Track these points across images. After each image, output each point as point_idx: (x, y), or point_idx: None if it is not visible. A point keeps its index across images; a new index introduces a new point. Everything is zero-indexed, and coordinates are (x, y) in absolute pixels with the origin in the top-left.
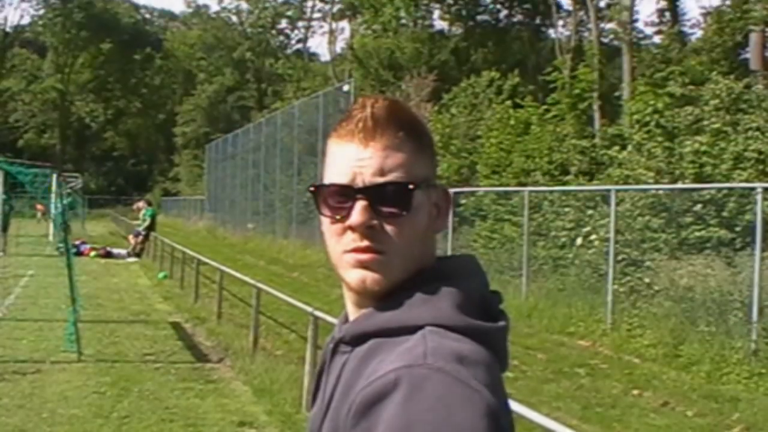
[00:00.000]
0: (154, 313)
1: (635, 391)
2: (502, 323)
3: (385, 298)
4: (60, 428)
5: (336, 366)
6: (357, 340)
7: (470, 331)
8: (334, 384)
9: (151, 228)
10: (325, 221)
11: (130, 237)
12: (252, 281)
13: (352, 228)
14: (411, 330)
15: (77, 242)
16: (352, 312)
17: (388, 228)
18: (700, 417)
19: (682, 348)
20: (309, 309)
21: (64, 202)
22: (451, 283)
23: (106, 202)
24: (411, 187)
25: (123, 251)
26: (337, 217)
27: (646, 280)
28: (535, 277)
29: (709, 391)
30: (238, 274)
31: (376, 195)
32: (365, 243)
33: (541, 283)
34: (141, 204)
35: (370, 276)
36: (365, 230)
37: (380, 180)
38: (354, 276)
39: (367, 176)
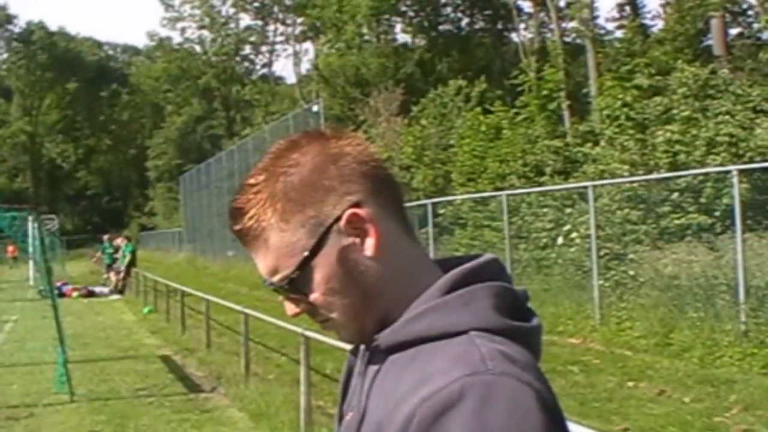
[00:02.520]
0: (142, 348)
1: (630, 383)
2: (536, 322)
3: (408, 307)
4: None
5: (368, 376)
6: (392, 349)
7: (512, 333)
8: (368, 393)
9: (132, 264)
10: None
11: (112, 274)
12: (239, 308)
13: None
14: (453, 335)
15: (59, 283)
16: None
17: (317, 304)
18: (698, 402)
19: (672, 336)
20: (299, 330)
21: (45, 243)
22: (485, 285)
23: (83, 241)
24: (293, 278)
25: (105, 289)
26: None
27: (631, 272)
28: (520, 280)
29: (703, 376)
30: (224, 302)
31: (282, 291)
32: (314, 319)
33: (526, 285)
34: (120, 240)
35: (341, 334)
36: (303, 313)
37: (274, 280)
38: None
39: (267, 277)
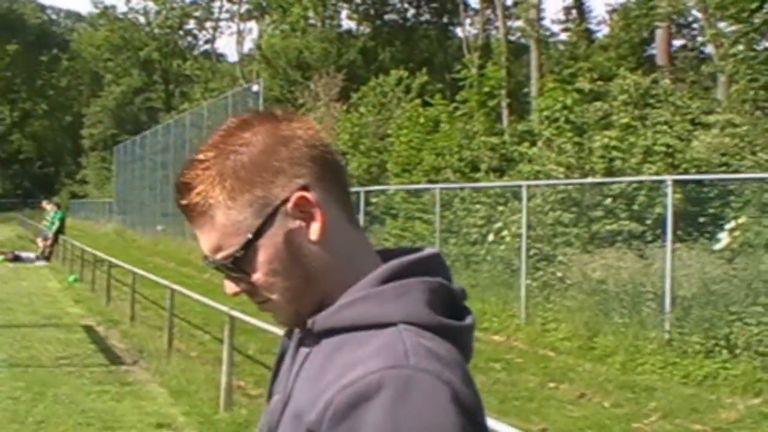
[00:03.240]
0: (65, 317)
1: (551, 384)
2: (469, 321)
3: (344, 294)
4: None
5: (298, 358)
6: (324, 334)
7: (441, 330)
8: (295, 376)
9: (60, 231)
10: None
11: (39, 240)
12: (166, 282)
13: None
14: (382, 326)
15: None
16: None
17: (258, 284)
18: (617, 407)
19: (596, 340)
20: (225, 308)
21: None
22: (421, 280)
23: (12, 205)
24: (238, 256)
25: (32, 255)
26: None
27: (559, 274)
28: None
29: (624, 382)
30: (151, 276)
31: (223, 269)
32: (251, 299)
33: (454, 280)
34: (49, 205)
35: (277, 318)
36: (242, 293)
37: (217, 258)
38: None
39: (210, 255)
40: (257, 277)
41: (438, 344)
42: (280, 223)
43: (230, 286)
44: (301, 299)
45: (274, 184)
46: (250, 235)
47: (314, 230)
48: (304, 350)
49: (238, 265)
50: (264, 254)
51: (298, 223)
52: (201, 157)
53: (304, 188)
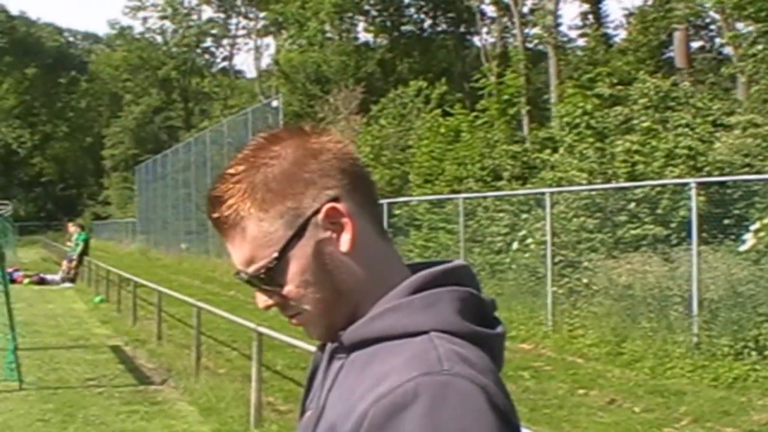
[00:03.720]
0: (92, 338)
1: (581, 391)
2: (500, 329)
3: (374, 306)
4: None
5: (331, 372)
6: (355, 347)
7: (473, 337)
8: (328, 390)
9: (84, 252)
10: None
11: (64, 262)
12: (192, 301)
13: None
14: (413, 335)
15: (10, 269)
16: None
17: (290, 297)
18: (648, 412)
19: (624, 345)
20: (252, 325)
21: None
22: (450, 290)
23: (36, 228)
24: (270, 268)
25: (57, 277)
26: None
27: (585, 280)
28: None
29: (654, 387)
30: (177, 295)
31: (255, 283)
32: (283, 313)
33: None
34: (73, 228)
35: (310, 332)
36: (274, 307)
37: (249, 271)
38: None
39: (242, 269)
40: (289, 289)
41: (470, 351)
42: (312, 234)
43: (262, 300)
44: (332, 311)
45: (305, 196)
46: (281, 247)
47: (345, 241)
48: (336, 364)
49: (270, 277)
50: (296, 265)
51: (329, 233)
52: (231, 171)
53: (335, 200)
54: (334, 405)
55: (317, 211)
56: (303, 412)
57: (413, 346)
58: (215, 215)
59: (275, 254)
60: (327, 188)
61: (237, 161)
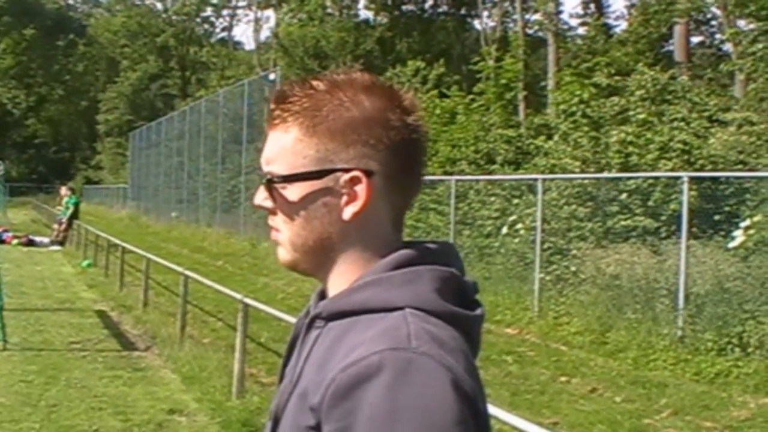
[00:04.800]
0: (79, 301)
1: (563, 378)
2: (478, 312)
3: (357, 277)
4: None
5: (308, 341)
6: (333, 317)
7: (449, 317)
8: (305, 359)
9: (74, 216)
10: None
11: (54, 225)
12: (179, 269)
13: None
14: (390, 310)
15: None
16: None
17: (276, 213)
18: (629, 402)
19: (609, 335)
20: (239, 296)
21: None
22: (431, 268)
23: (27, 189)
24: (276, 180)
25: (46, 239)
26: None
27: (573, 268)
28: None
29: (636, 377)
30: (165, 262)
31: (264, 182)
32: (269, 221)
33: (467, 272)
34: (64, 191)
35: (279, 251)
36: (264, 210)
37: (266, 169)
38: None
39: (263, 163)
40: (283, 208)
41: (443, 330)
42: (327, 183)
43: (259, 198)
44: (305, 253)
45: (348, 151)
46: (298, 171)
47: (348, 210)
48: (313, 333)
49: (274, 188)
50: (298, 195)
51: (342, 193)
52: (315, 84)
53: (369, 174)
54: (308, 374)
55: (346, 171)
56: (281, 380)
57: (386, 321)
58: (273, 106)
59: (285, 173)
60: (370, 159)
61: (325, 80)
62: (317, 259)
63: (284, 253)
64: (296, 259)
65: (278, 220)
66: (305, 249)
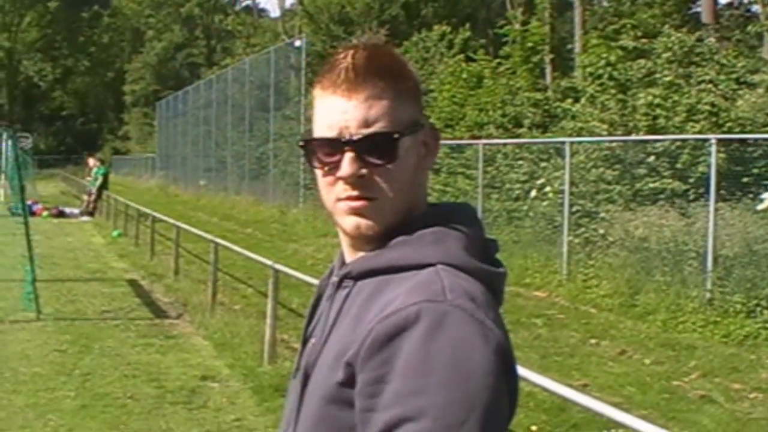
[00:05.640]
0: (110, 271)
1: (593, 341)
2: (503, 269)
3: (384, 239)
4: (23, 387)
5: (337, 300)
6: (363, 275)
7: (478, 273)
8: (335, 316)
9: (103, 186)
10: (318, 172)
11: (84, 196)
12: (209, 237)
13: (342, 178)
14: (421, 268)
15: (29, 202)
16: (349, 254)
17: (377, 177)
18: (658, 365)
19: (638, 297)
20: (269, 263)
21: (19, 161)
22: (457, 227)
23: (55, 161)
24: (396, 136)
25: (76, 210)
26: (327, 169)
27: (601, 231)
28: (490, 230)
29: (665, 340)
30: (194, 230)
31: (363, 147)
32: (356, 192)
33: (496, 235)
34: (92, 161)
35: (363, 222)
36: (355, 180)
37: (366, 132)
38: (349, 222)
39: (353, 128)
40: (394, 168)
41: (473, 285)
42: (419, 140)
43: (350, 168)
44: (399, 211)
45: (421, 113)
46: (406, 124)
47: (430, 161)
48: (342, 292)
49: (383, 145)
50: (407, 151)
51: (423, 150)
52: (387, 50)
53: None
54: (340, 330)
55: (425, 126)
56: (306, 340)
57: (420, 276)
58: (378, 61)
59: (399, 128)
60: (427, 118)
61: (391, 50)
62: (402, 215)
63: (378, 218)
64: (390, 222)
65: (377, 185)
66: (400, 207)
